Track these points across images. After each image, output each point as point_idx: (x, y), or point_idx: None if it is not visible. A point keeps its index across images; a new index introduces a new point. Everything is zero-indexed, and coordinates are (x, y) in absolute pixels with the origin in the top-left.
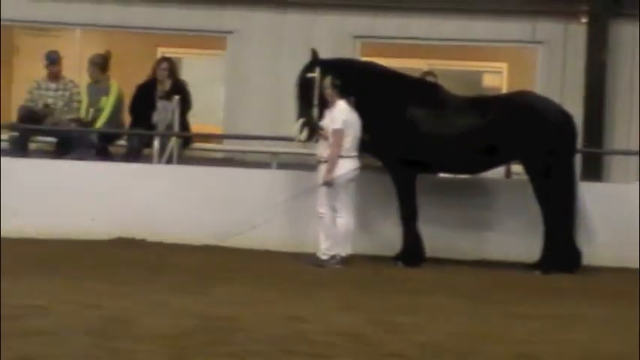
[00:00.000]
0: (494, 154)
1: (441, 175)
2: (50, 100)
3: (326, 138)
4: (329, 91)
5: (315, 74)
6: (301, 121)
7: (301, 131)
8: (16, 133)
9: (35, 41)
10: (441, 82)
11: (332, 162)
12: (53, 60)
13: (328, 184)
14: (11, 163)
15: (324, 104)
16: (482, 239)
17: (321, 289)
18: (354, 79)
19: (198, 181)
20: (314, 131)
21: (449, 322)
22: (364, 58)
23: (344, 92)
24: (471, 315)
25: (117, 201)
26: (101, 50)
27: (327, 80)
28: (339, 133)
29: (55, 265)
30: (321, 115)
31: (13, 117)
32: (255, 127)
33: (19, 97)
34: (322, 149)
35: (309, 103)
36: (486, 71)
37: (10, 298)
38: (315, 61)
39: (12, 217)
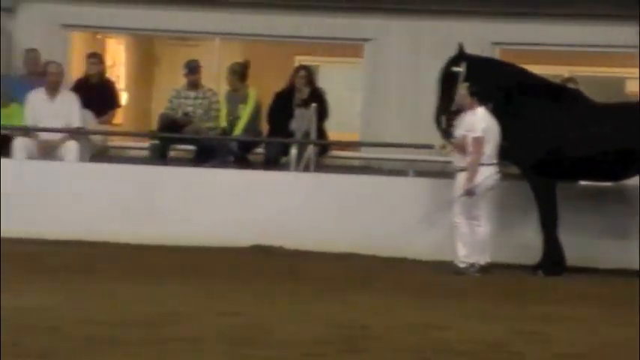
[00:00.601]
0: (635, 160)
1: (582, 182)
2: (190, 109)
3: (461, 147)
4: (466, 99)
5: (461, 69)
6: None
7: (443, 134)
8: (156, 141)
9: (175, 51)
10: (582, 88)
11: (472, 170)
12: (193, 69)
13: (469, 193)
14: (151, 171)
15: (457, 110)
16: (623, 248)
17: (459, 297)
18: (495, 81)
19: (335, 189)
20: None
21: (592, 333)
22: None
23: (483, 98)
24: (615, 325)
25: (254, 208)
26: (240, 59)
27: (464, 87)
28: (479, 141)
29: (192, 272)
30: (452, 121)
31: (154, 125)
32: (393, 134)
33: (159, 106)
34: (459, 158)
35: (451, 98)
36: (629, 78)
37: (148, 304)
38: (460, 56)
39: (151, 224)
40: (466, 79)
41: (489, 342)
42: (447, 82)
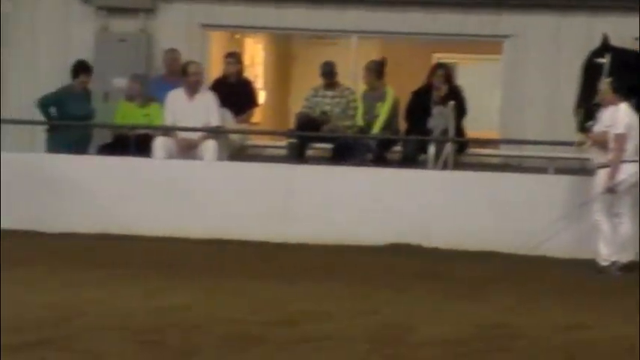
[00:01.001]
0: None
1: None
2: (327, 107)
3: (600, 143)
4: (608, 94)
5: (605, 60)
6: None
7: (579, 127)
8: (294, 140)
9: (312, 49)
10: None
11: (615, 167)
12: (327, 74)
13: (611, 190)
14: (289, 170)
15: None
16: None
17: (601, 296)
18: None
19: (474, 187)
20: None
21: None
22: None
23: (627, 93)
24: None
25: (392, 207)
26: (377, 57)
27: (607, 82)
28: (622, 138)
29: (330, 271)
30: (591, 114)
31: (292, 124)
32: (532, 131)
33: (297, 105)
34: (598, 154)
35: (593, 90)
36: None
37: (288, 303)
38: (605, 47)
39: (292, 222)
40: (610, 71)
41: (633, 342)
42: (590, 73)
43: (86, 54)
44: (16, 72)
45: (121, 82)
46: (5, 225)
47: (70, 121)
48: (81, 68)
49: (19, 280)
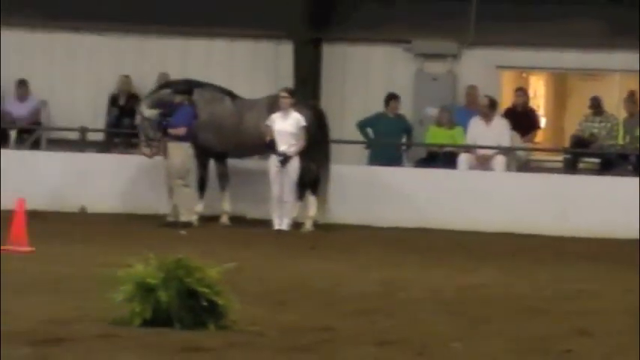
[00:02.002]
0: None
1: None
2: (595, 130)
3: None
4: None
5: None
6: None
7: None
8: (568, 156)
9: (583, 84)
10: None
11: None
12: (596, 104)
13: None
14: (564, 179)
15: None
16: None
17: None
18: None
19: None
20: None
21: None
22: None
23: None
24: None
25: None
26: (635, 89)
27: None
28: None
29: (597, 258)
30: None
31: (567, 143)
32: None
33: (570, 128)
34: None
35: None
36: None
37: (565, 282)
38: None
39: (567, 220)
40: None
41: None
42: None
43: (406, 90)
44: (349, 102)
45: (432, 112)
46: (339, 220)
47: (384, 140)
48: (391, 97)
49: (354, 263)
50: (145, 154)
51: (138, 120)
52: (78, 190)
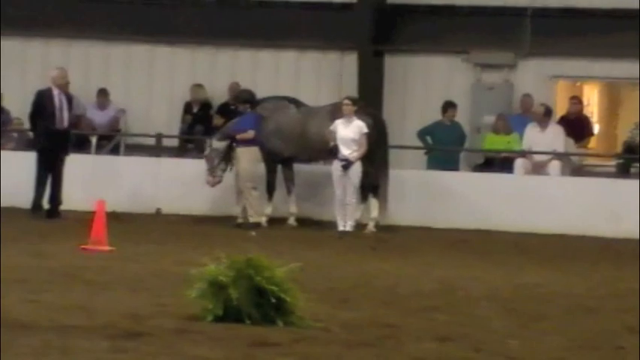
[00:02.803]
0: None
1: None
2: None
3: None
4: None
5: None
6: None
7: None
8: (620, 161)
9: (635, 93)
10: None
11: None
12: None
13: None
14: (617, 183)
15: None
16: None
17: None
18: None
19: None
20: None
21: None
22: None
23: None
24: None
25: None
26: None
27: None
28: None
29: None
30: None
31: (619, 149)
32: None
33: (622, 135)
34: None
35: None
36: None
37: (618, 282)
38: None
39: (619, 222)
40: None
41: None
42: None
43: (464, 98)
44: (409, 110)
45: (489, 119)
46: (399, 221)
47: (442, 147)
48: (448, 105)
49: (414, 262)
50: (208, 183)
51: (207, 151)
52: (154, 192)
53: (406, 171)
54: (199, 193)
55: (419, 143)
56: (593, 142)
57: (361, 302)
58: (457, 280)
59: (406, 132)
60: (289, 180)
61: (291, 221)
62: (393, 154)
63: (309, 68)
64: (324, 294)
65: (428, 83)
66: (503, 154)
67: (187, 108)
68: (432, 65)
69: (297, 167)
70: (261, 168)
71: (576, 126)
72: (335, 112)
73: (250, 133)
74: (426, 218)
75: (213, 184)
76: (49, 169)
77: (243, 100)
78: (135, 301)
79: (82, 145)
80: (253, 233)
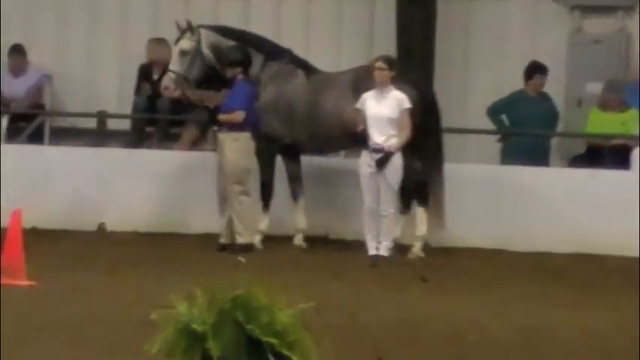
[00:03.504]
0: None
1: None
2: None
3: None
4: None
5: None
6: None
7: None
8: None
9: None
10: None
11: None
12: None
13: None
14: None
15: None
16: None
17: None
18: None
19: None
20: None
21: None
22: None
23: None
24: None
25: None
26: None
27: None
28: None
29: None
30: None
31: None
32: None
33: None
34: None
35: None
36: None
37: None
38: None
39: None
40: None
41: None
42: None
43: (556, 58)
44: (473, 76)
45: (595, 88)
46: (459, 241)
47: (523, 130)
48: (535, 69)
49: (482, 299)
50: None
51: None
52: (96, 200)
53: (470, 166)
54: (162, 201)
55: (489, 125)
56: None
57: (407, 358)
58: (545, 326)
59: (470, 108)
60: (295, 180)
61: (299, 240)
62: (450, 141)
63: (323, 13)
64: (352, 346)
65: (502, 36)
66: (616, 141)
67: (144, 73)
68: (509, 10)
69: (307, 160)
70: (255, 163)
71: None
72: (363, 79)
73: (239, 114)
74: (499, 236)
75: (189, 146)
76: None
77: (231, 62)
78: None
79: None
80: (242, 259)
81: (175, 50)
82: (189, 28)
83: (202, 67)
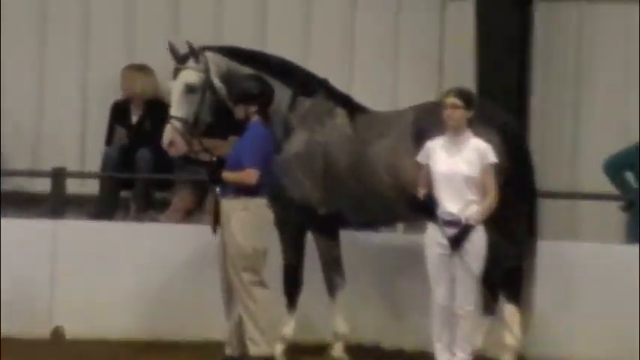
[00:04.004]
0: None
1: None
2: None
3: None
4: None
5: None
6: None
7: None
8: None
9: None
10: None
11: None
12: None
13: None
14: None
15: None
16: None
17: None
18: None
19: None
20: None
21: None
22: None
23: None
24: None
25: None
26: None
27: None
28: None
29: None
30: None
31: None
32: None
33: None
34: None
35: None
36: None
37: None
38: None
39: None
40: None
41: None
42: None
43: None
44: (586, 107)
45: None
46: (564, 351)
47: None
48: None
49: None
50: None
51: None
52: (50, 295)
53: (583, 245)
54: (142, 295)
55: (607, 186)
56: None
57: None
58: None
59: (580, 164)
60: (333, 266)
61: (338, 351)
62: (553, 210)
63: (371, 28)
64: None
65: (625, 53)
66: None
67: (119, 113)
68: (633, 16)
69: (350, 239)
70: (273, 243)
71: None
72: (427, 121)
73: (251, 173)
74: (626, 344)
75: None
76: None
77: (243, 97)
78: None
79: None
80: None
81: (177, 86)
82: (193, 53)
83: (214, 107)
